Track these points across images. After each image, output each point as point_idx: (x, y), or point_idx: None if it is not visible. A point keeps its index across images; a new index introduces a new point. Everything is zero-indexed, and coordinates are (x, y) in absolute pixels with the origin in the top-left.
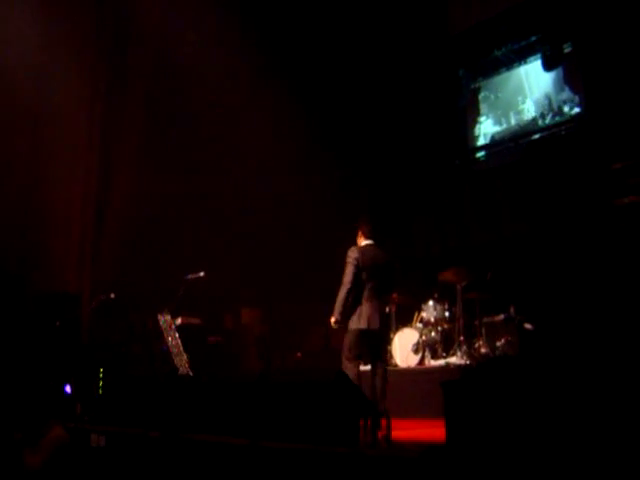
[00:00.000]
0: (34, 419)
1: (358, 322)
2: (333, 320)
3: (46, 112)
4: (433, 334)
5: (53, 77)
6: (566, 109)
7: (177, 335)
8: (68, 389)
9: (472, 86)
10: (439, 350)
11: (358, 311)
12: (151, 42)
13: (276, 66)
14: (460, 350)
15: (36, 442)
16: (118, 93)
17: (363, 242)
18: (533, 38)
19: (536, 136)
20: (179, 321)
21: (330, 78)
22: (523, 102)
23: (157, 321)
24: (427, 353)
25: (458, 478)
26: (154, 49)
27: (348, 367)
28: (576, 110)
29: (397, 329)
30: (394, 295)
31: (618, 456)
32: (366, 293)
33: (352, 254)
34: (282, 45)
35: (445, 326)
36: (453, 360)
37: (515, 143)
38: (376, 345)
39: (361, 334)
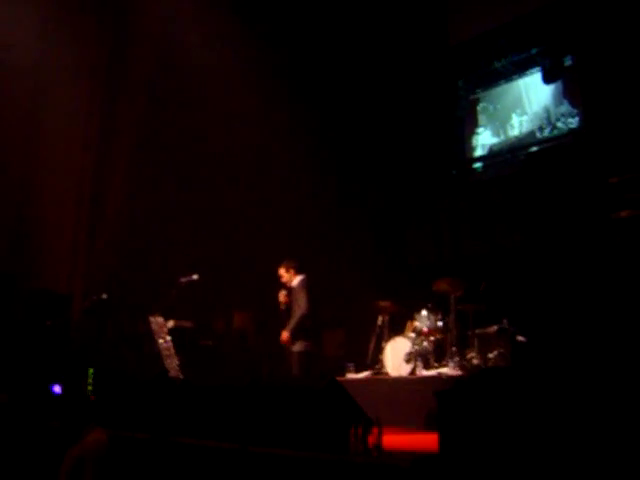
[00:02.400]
0: (76, 420)
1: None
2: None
3: (43, 110)
4: (425, 344)
5: (51, 75)
6: (564, 122)
7: (169, 337)
8: (57, 389)
9: (471, 97)
10: (431, 360)
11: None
12: (151, 40)
13: (278, 70)
14: (452, 361)
15: (76, 442)
16: (116, 92)
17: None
18: (533, 51)
19: (534, 148)
20: (171, 323)
21: (330, 85)
22: (522, 114)
23: (149, 323)
24: (419, 363)
25: None
26: (154, 47)
27: None
28: (574, 124)
29: (389, 338)
30: (387, 303)
31: (610, 466)
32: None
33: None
34: (284, 50)
35: (438, 336)
36: (445, 370)
37: (513, 155)
38: None
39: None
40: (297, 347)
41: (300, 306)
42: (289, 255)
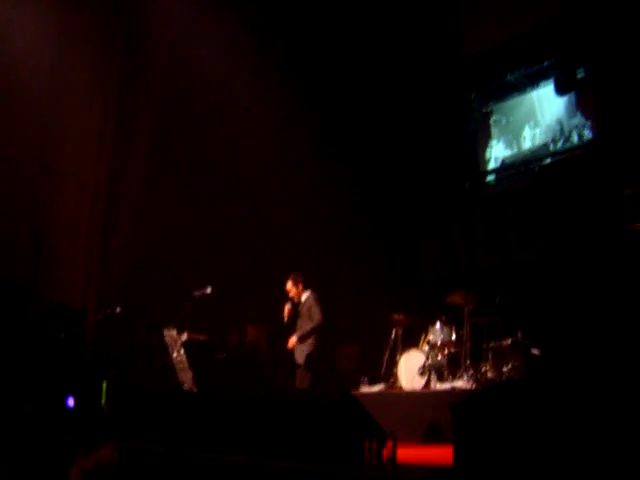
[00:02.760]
0: (89, 433)
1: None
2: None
3: (57, 121)
4: (440, 357)
5: (65, 79)
6: (578, 134)
7: (182, 351)
8: (71, 402)
9: (484, 110)
10: (445, 373)
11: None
12: (164, 43)
13: (291, 81)
14: (467, 374)
15: (86, 456)
16: (130, 96)
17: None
18: (546, 63)
19: (547, 161)
20: (185, 337)
21: (345, 97)
22: (535, 127)
23: (163, 336)
24: (433, 376)
25: None
26: (167, 50)
27: None
28: (588, 135)
29: (403, 351)
30: (401, 316)
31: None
32: None
33: None
34: (298, 61)
35: (452, 349)
36: (459, 384)
37: (526, 168)
38: None
39: None
40: (305, 349)
41: (313, 319)
42: (302, 269)
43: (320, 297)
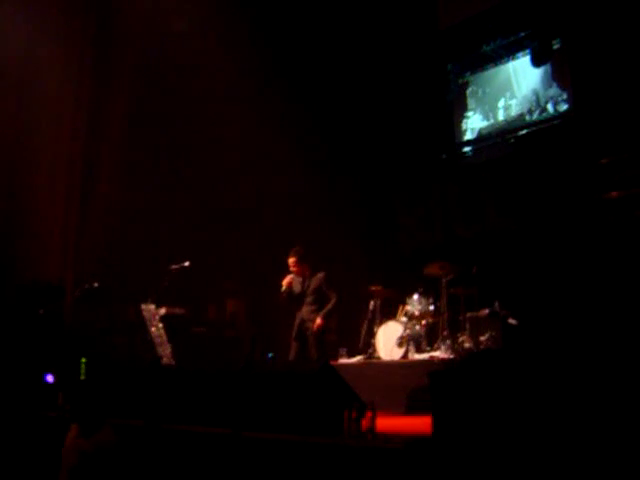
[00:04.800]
0: (92, 414)
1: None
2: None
3: (30, 99)
4: (417, 328)
5: (39, 62)
6: (554, 105)
7: (161, 325)
8: (50, 378)
9: (460, 81)
10: (423, 344)
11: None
12: (137, 31)
13: (266, 56)
14: (444, 344)
15: (88, 437)
16: (105, 78)
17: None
18: (522, 34)
19: (524, 132)
20: (163, 311)
21: (320, 71)
22: (511, 98)
23: (140, 311)
24: (411, 347)
25: (444, 469)
26: (141, 37)
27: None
28: (564, 106)
29: (381, 322)
30: (379, 288)
31: (603, 448)
32: None
33: None
34: (272, 38)
35: (430, 320)
36: (437, 354)
37: (502, 139)
38: None
39: None
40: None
41: (331, 297)
42: (279, 241)
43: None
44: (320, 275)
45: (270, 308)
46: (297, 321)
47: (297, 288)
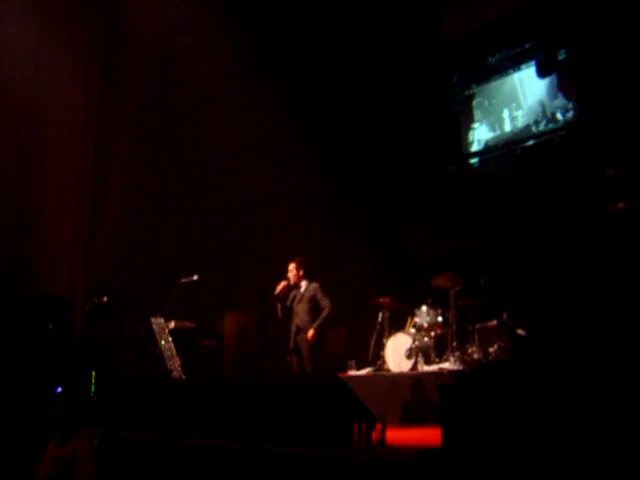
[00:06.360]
0: (68, 422)
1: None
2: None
3: (40, 112)
4: (426, 339)
5: (47, 76)
6: (560, 116)
7: (170, 338)
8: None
9: (466, 92)
10: (432, 355)
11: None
12: (146, 41)
13: (274, 67)
14: (453, 355)
15: (65, 443)
16: (113, 92)
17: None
18: (527, 45)
19: (530, 143)
20: (172, 324)
21: (327, 83)
22: (517, 109)
23: (150, 324)
24: (420, 358)
25: None
26: (149, 48)
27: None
28: (570, 117)
29: (390, 334)
30: (387, 300)
31: (612, 458)
32: None
33: None
34: (277, 46)
35: (438, 331)
36: (446, 365)
37: (509, 150)
38: None
39: None
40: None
41: (324, 306)
42: (288, 254)
43: (323, 286)
44: (315, 285)
45: (280, 321)
46: (293, 329)
47: (290, 297)
